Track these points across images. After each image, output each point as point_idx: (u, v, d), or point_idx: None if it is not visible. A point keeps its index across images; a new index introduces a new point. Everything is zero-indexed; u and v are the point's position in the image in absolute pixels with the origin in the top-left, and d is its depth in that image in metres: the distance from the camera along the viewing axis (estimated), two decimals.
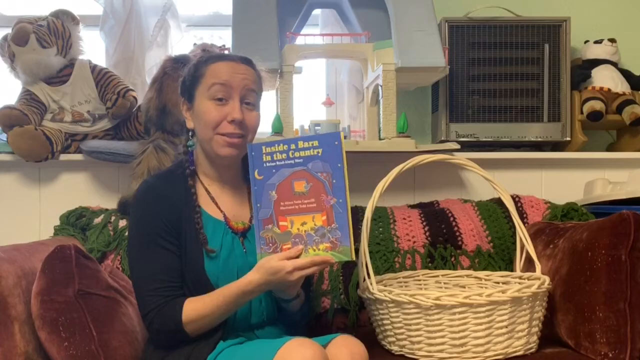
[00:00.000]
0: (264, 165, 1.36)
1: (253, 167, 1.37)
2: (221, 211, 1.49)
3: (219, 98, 1.44)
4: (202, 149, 1.51)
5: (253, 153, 1.37)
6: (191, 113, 1.50)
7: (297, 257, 1.33)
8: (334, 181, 1.33)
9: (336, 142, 1.33)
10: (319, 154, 1.34)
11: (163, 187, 1.47)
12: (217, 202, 1.50)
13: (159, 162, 1.97)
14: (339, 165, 1.33)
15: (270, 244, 1.35)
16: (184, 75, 1.53)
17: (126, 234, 1.88)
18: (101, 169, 2.18)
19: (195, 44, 2.24)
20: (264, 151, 1.36)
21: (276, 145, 1.35)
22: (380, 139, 2.12)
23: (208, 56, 1.51)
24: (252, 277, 1.34)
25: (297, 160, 1.34)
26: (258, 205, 1.36)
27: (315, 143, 1.34)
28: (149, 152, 1.97)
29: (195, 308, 1.36)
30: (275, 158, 1.36)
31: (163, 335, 1.38)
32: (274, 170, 1.35)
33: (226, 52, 2.17)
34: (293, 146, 1.35)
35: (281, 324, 1.52)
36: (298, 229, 1.34)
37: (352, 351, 1.31)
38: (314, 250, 1.33)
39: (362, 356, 1.32)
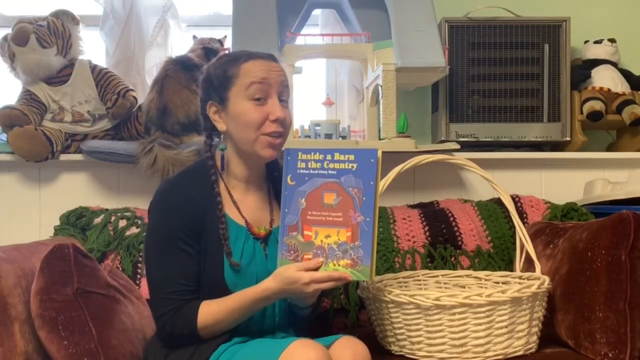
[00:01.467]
0: (298, 171, 1.35)
1: (287, 172, 1.36)
2: (243, 217, 1.45)
3: (258, 98, 1.40)
4: (238, 151, 1.45)
5: (289, 158, 1.36)
6: (223, 115, 1.43)
7: (316, 269, 1.31)
8: (364, 198, 1.30)
9: (372, 160, 1.31)
10: (353, 169, 1.32)
11: (186, 187, 1.42)
12: (239, 206, 1.46)
13: (171, 153, 1.96)
14: (372, 183, 1.30)
15: (292, 252, 1.34)
16: (208, 79, 1.45)
17: (126, 233, 1.89)
18: (101, 169, 2.17)
19: (195, 36, 2.23)
20: (299, 157, 1.35)
21: (312, 153, 1.34)
22: (380, 139, 2.11)
23: (235, 56, 1.45)
24: (268, 285, 1.32)
25: (330, 172, 1.33)
26: (286, 210, 1.35)
27: (351, 157, 1.32)
28: (157, 148, 1.96)
29: (210, 313, 1.34)
30: (309, 166, 1.34)
31: (176, 338, 1.36)
32: (306, 178, 1.34)
33: (226, 50, 2.17)
34: (329, 157, 1.33)
35: (291, 328, 1.50)
36: (322, 240, 1.32)
37: (355, 352, 1.31)
38: (334, 265, 1.31)
39: (365, 357, 1.31)
